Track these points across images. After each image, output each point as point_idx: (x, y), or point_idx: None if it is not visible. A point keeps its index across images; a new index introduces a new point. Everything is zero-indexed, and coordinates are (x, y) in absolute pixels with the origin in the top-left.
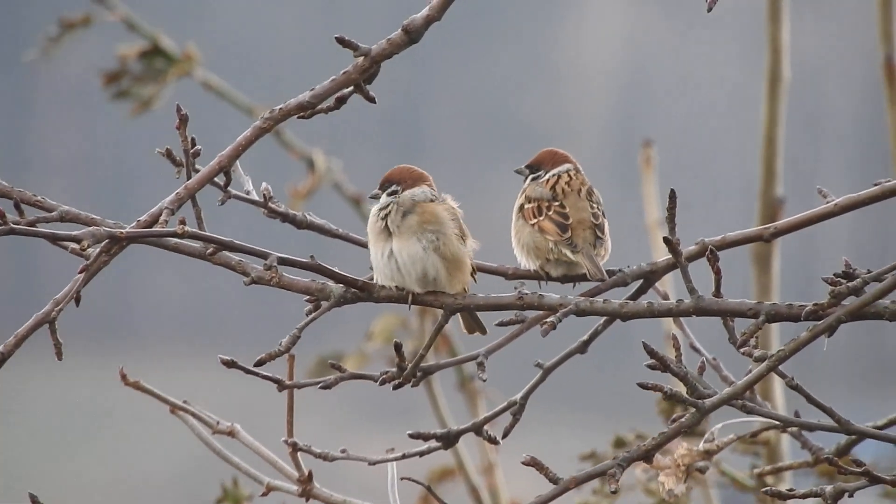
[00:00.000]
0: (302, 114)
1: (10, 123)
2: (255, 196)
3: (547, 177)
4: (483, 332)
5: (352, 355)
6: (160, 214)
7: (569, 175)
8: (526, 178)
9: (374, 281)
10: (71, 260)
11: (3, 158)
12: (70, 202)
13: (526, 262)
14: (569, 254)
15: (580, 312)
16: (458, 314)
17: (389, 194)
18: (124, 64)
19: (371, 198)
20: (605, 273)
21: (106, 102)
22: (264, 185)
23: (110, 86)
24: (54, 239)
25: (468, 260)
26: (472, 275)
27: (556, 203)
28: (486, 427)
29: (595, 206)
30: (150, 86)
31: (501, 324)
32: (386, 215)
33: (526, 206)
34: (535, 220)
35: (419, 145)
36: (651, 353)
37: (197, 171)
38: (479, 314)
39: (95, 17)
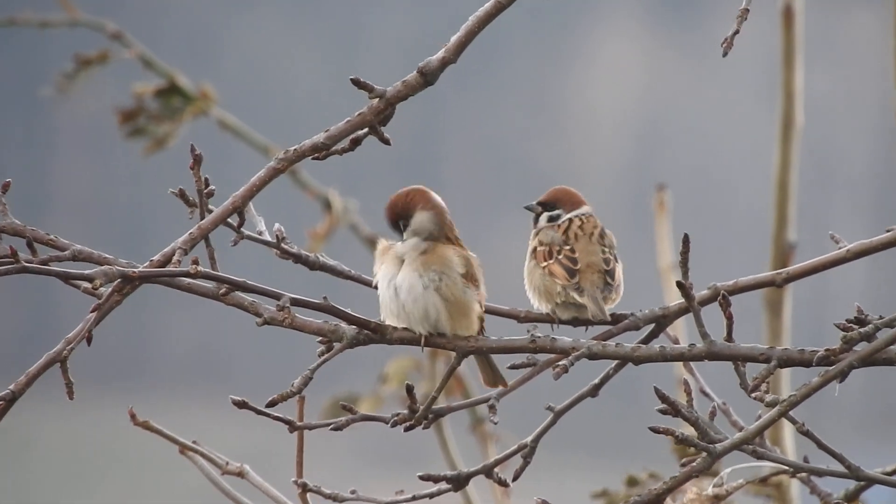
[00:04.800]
0: (316, 155)
1: (25, 161)
2: (267, 237)
3: (562, 221)
4: (504, 384)
5: (367, 398)
6: (173, 254)
7: (581, 219)
8: (538, 215)
9: (382, 319)
10: (83, 299)
11: (19, 196)
12: (85, 240)
13: (538, 305)
14: (576, 297)
15: (592, 356)
16: (478, 366)
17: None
18: (140, 102)
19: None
20: (607, 314)
21: (121, 140)
22: (277, 225)
23: (126, 124)
24: (66, 278)
25: (475, 307)
26: (481, 324)
27: (567, 247)
28: (496, 469)
29: (607, 250)
30: (167, 124)
31: (514, 367)
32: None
33: (538, 249)
34: (546, 264)
35: (432, 187)
36: (662, 397)
37: (210, 211)
38: (494, 360)
39: (112, 55)
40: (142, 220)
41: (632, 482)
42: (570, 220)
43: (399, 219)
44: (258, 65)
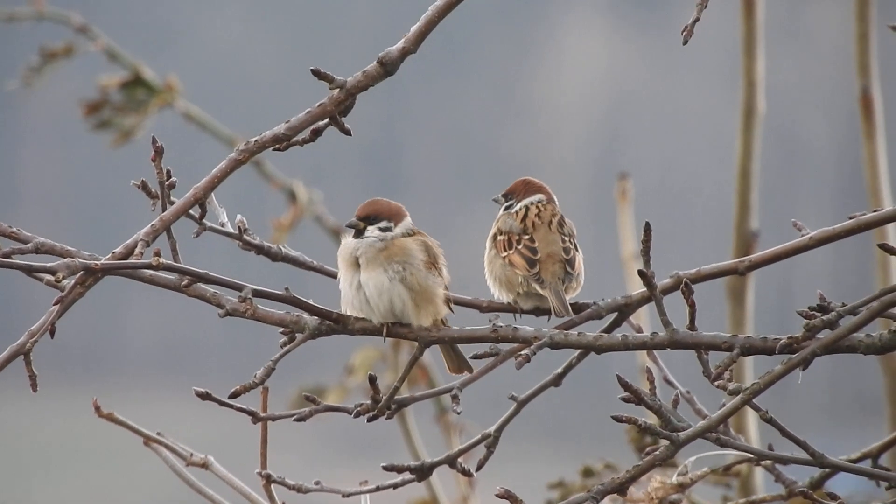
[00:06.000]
0: (278, 146)
1: None
2: (230, 228)
3: (517, 208)
4: (470, 370)
5: (333, 389)
6: (135, 246)
7: (538, 207)
8: (502, 206)
9: (342, 310)
10: (46, 292)
11: None
12: (49, 232)
13: (498, 294)
14: (538, 288)
15: (554, 345)
16: (442, 354)
17: (382, 229)
18: (105, 94)
19: (349, 226)
20: (570, 310)
21: (86, 133)
22: (239, 217)
23: (91, 116)
24: (29, 271)
25: (439, 290)
26: (448, 306)
27: (526, 237)
28: (460, 460)
29: (566, 238)
30: (132, 116)
31: (476, 356)
32: (362, 250)
33: (499, 238)
34: (506, 254)
35: (398, 178)
36: (625, 385)
37: (172, 203)
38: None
39: (77, 48)
40: (106, 212)
41: (587, 473)
42: (527, 207)
43: (379, 219)
44: (223, 56)
